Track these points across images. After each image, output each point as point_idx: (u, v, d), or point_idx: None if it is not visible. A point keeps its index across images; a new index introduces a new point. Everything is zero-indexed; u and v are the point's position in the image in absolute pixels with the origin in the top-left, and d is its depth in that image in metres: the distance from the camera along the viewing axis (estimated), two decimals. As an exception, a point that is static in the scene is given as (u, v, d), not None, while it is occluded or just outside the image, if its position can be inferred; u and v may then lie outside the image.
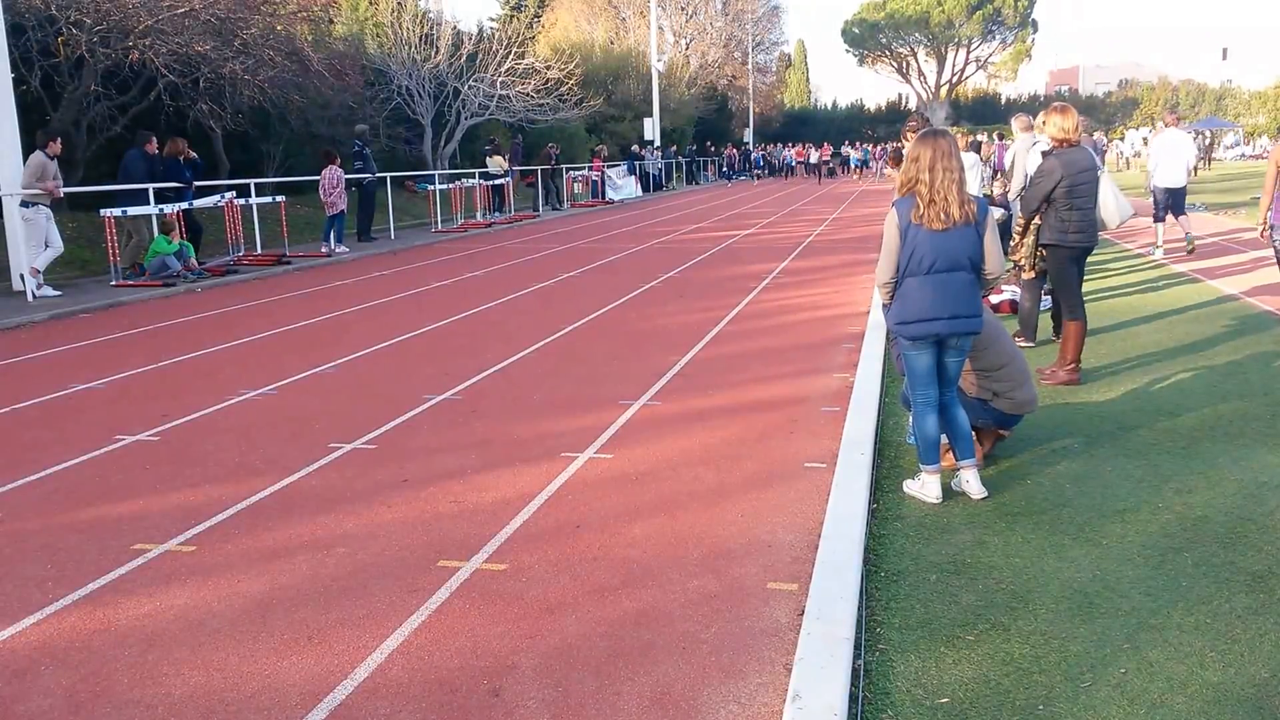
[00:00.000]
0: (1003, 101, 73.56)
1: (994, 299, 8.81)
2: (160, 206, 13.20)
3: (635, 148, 38.02)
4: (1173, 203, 13.48)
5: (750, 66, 66.25)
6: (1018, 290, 8.06)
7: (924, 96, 74.74)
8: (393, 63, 26.16)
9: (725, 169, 49.45)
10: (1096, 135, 30.11)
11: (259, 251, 15.79)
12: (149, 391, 6.98)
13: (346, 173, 17.23)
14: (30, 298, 11.50)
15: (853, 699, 2.85)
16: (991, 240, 4.37)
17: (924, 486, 4.51)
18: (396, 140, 26.33)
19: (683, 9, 61.86)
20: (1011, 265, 7.55)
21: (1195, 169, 35.48)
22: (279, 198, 16.51)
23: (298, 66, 18.39)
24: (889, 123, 69.01)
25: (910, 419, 4.77)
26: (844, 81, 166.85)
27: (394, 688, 3.01)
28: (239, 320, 10.04)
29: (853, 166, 52.84)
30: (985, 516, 4.29)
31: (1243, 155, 53.24)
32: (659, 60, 42.91)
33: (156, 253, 12.82)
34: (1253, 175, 32.11)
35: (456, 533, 4.21)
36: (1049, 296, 8.08)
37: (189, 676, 3.10)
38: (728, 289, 11.48)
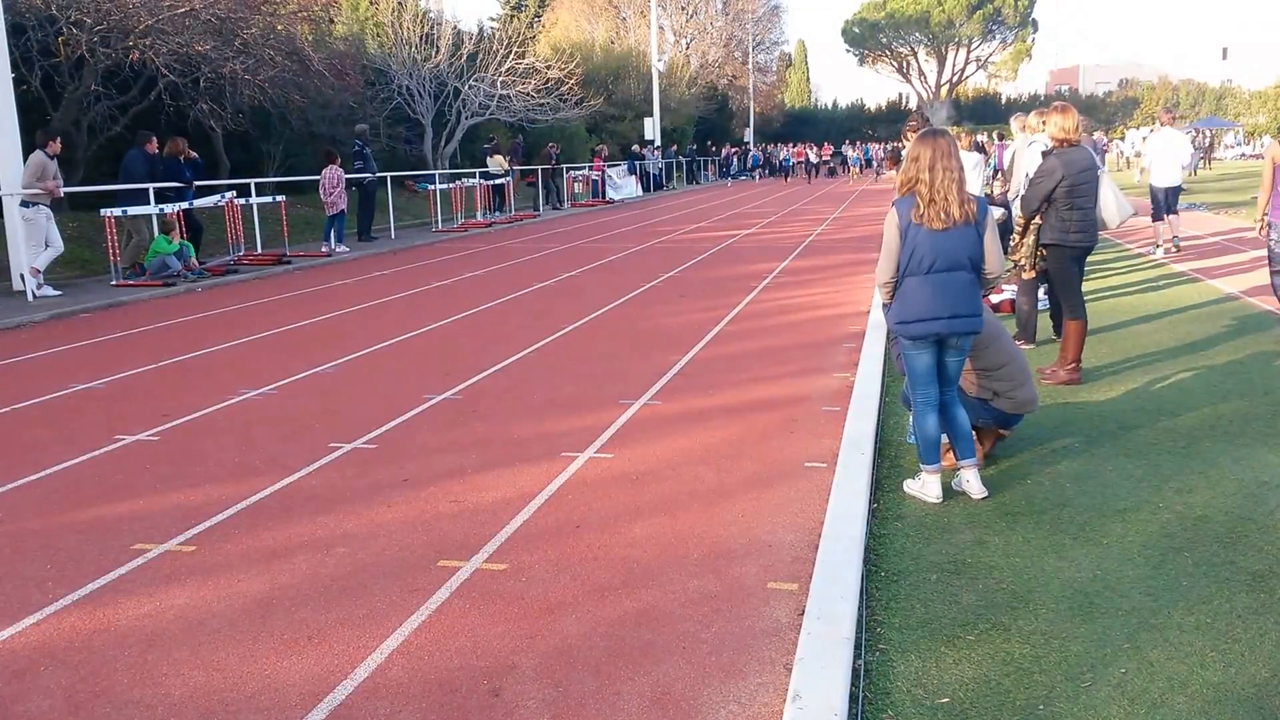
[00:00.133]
0: (1003, 101, 73.54)
1: (994, 298, 8.81)
2: (160, 206, 13.19)
3: (635, 147, 38.00)
4: (1166, 202, 13.57)
5: (750, 66, 66.24)
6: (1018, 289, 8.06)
7: (924, 96, 74.74)
8: (393, 62, 26.16)
9: (725, 169, 49.22)
10: (1096, 135, 30.11)
11: (259, 251, 15.79)
12: (149, 391, 6.97)
13: (347, 172, 17.23)
14: (30, 297, 11.50)
15: (853, 699, 2.85)
16: (991, 240, 4.37)
17: (924, 486, 4.51)
18: (397, 140, 26.33)
19: (683, 9, 61.85)
20: (1011, 265, 7.55)
21: (1197, 169, 35.55)
22: (279, 197, 16.50)
23: (298, 66, 18.40)
24: (889, 122, 68.98)
25: (910, 418, 4.76)
26: (844, 81, 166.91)
27: (394, 688, 3.00)
28: (239, 320, 10.04)
29: (852, 166, 52.63)
30: (986, 516, 4.29)
31: (1243, 155, 53.21)
32: (659, 60, 42.89)
33: (157, 252, 12.82)
34: (1253, 175, 32.08)
35: (456, 533, 4.21)
36: (1046, 297, 8.08)
37: (189, 676, 3.10)
38: (728, 288, 11.48)
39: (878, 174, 46.69)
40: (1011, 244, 7.50)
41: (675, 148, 44.71)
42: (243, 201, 15.43)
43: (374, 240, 18.63)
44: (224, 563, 3.96)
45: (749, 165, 50.80)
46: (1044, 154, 6.82)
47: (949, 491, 4.53)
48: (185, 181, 14.06)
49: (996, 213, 7.76)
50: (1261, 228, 7.98)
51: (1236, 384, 6.38)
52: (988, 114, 66.78)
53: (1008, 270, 6.37)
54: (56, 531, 4.34)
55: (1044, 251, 6.77)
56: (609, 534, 4.16)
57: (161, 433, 5.87)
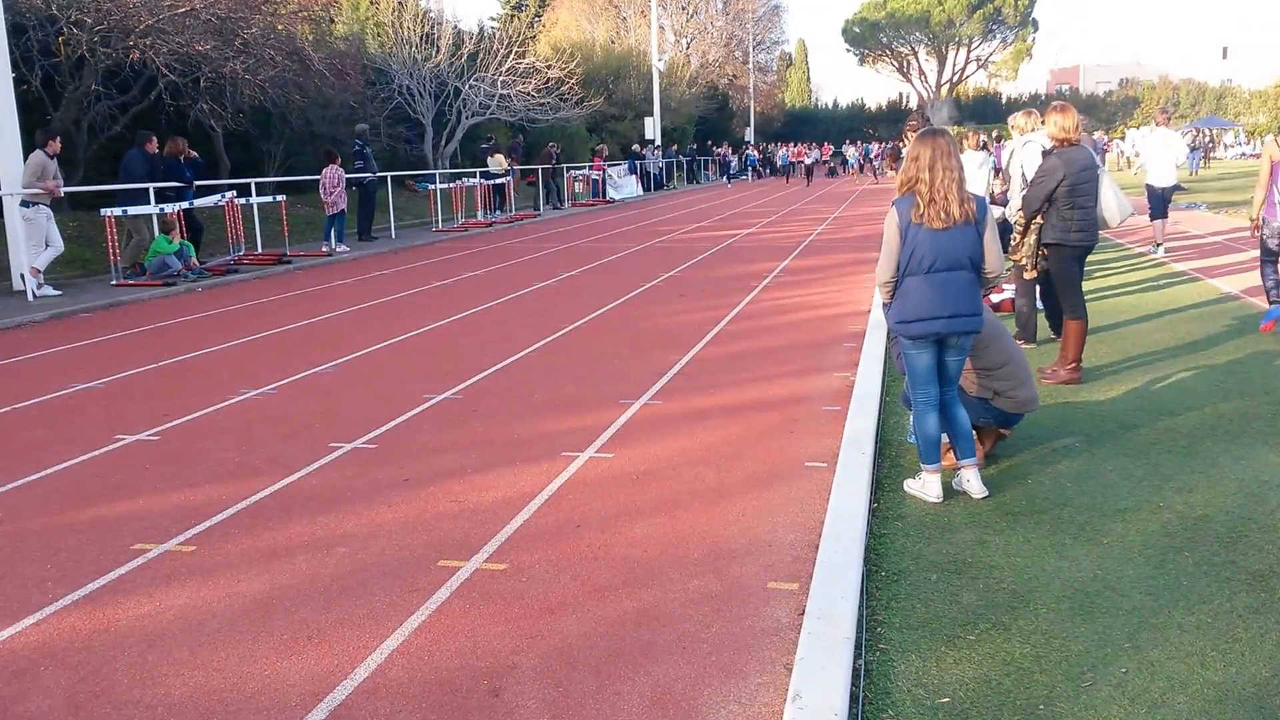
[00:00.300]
0: (1004, 101, 73.53)
1: (994, 298, 8.80)
2: (161, 206, 13.19)
3: (636, 147, 37.98)
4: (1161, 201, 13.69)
5: (751, 66, 66.23)
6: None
7: (925, 96, 74.73)
8: (394, 62, 26.17)
9: (724, 169, 48.91)
10: (1097, 135, 30.10)
11: (259, 251, 15.79)
12: (149, 391, 6.97)
13: (347, 172, 17.23)
14: (30, 297, 11.50)
15: (853, 699, 2.85)
16: (991, 239, 4.37)
17: (925, 486, 4.51)
18: (397, 139, 26.34)
19: (683, 8, 61.84)
20: (1010, 265, 7.55)
21: (1198, 170, 35.53)
22: (279, 197, 16.50)
23: (298, 66, 18.40)
24: (890, 122, 68.98)
25: (911, 418, 4.76)
26: (845, 81, 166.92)
27: (394, 688, 3.00)
28: (239, 320, 10.04)
29: (851, 166, 52.50)
30: (986, 516, 4.29)
31: (1243, 154, 53.20)
32: (660, 59, 42.87)
33: (157, 252, 12.82)
34: (1253, 174, 32.06)
35: (456, 532, 4.21)
36: (1043, 299, 8.08)
37: (189, 677, 3.10)
38: (729, 288, 11.48)
39: (877, 175, 46.48)
40: (1012, 244, 7.50)
41: (675, 147, 44.68)
42: (243, 201, 15.43)
43: (374, 240, 18.63)
44: (224, 563, 3.96)
45: (746, 165, 50.41)
46: (1044, 153, 6.82)
47: (949, 491, 4.53)
48: (185, 181, 14.06)
49: (996, 212, 7.76)
50: (1255, 226, 8.03)
51: (1237, 383, 6.38)
52: (988, 114, 66.75)
53: (1007, 269, 6.37)
54: (56, 531, 4.34)
55: (1045, 251, 6.77)
56: (609, 534, 4.16)
57: (161, 433, 5.87)
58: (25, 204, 11.72)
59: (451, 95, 27.58)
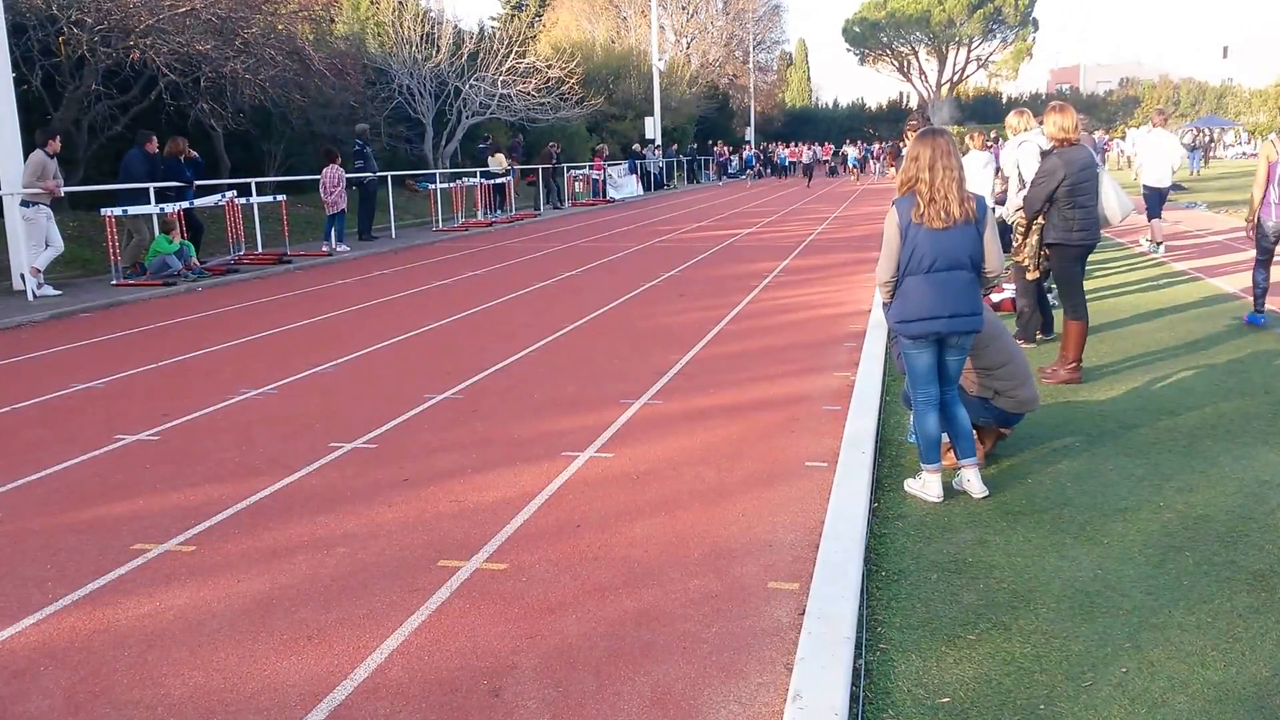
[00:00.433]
0: (1004, 100, 73.50)
1: (995, 297, 8.80)
2: (161, 206, 13.19)
3: (636, 147, 37.98)
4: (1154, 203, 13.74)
5: (751, 65, 66.22)
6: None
7: (925, 95, 74.73)
8: (394, 62, 26.16)
9: (724, 169, 48.72)
10: (1097, 134, 30.07)
11: (260, 251, 15.79)
12: (149, 391, 6.97)
13: (347, 172, 17.22)
14: (31, 297, 11.50)
15: (854, 699, 2.85)
16: (991, 239, 4.37)
17: (925, 485, 4.51)
18: (397, 139, 26.33)
19: (684, 8, 61.85)
20: (1010, 264, 7.55)
21: (1198, 170, 35.49)
22: (280, 197, 16.50)
23: (299, 66, 18.40)
24: (890, 121, 68.98)
25: (911, 418, 4.76)
26: (845, 80, 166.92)
27: (394, 688, 3.00)
28: (239, 320, 10.04)
29: (850, 166, 52.40)
30: (986, 515, 4.29)
31: (1244, 154, 53.20)
32: (660, 59, 42.86)
33: (157, 252, 12.82)
34: (1254, 173, 32.05)
35: (457, 532, 4.21)
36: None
37: (189, 677, 3.10)
38: (729, 287, 11.47)
39: (878, 173, 46.39)
40: (1014, 245, 7.50)
41: (676, 147, 44.65)
42: (243, 201, 15.43)
43: (375, 240, 18.62)
44: (224, 563, 3.96)
45: (746, 165, 50.08)
46: (1044, 154, 6.82)
47: (950, 491, 4.53)
48: (186, 181, 14.06)
49: (996, 211, 7.74)
50: (1251, 227, 8.09)
51: (1237, 383, 6.37)
52: (989, 113, 66.73)
53: (1006, 268, 6.38)
54: (56, 531, 4.34)
55: (1047, 251, 6.77)
56: (609, 534, 4.16)
57: (161, 433, 5.87)
58: (25, 204, 11.72)
59: (452, 95, 27.57)
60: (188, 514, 4.50)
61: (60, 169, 12.28)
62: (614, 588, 3.64)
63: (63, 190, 12.37)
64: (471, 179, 23.69)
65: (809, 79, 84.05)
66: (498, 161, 24.67)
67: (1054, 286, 7.88)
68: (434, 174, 23.62)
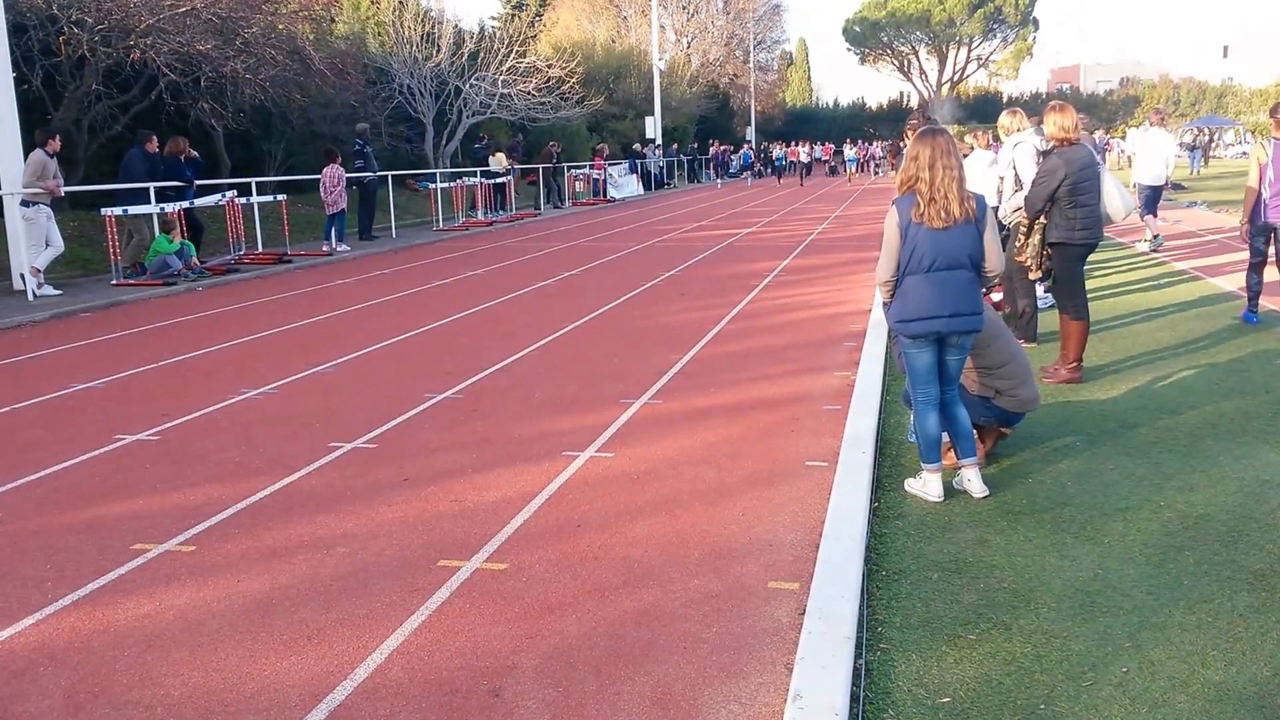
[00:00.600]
0: (1004, 100, 73.46)
1: (995, 296, 8.79)
2: (161, 205, 13.19)
3: (636, 146, 37.97)
4: (1148, 201, 13.85)
5: (752, 65, 66.22)
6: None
7: (925, 95, 74.72)
8: (394, 61, 26.17)
9: (723, 168, 48.43)
10: (1097, 134, 30.05)
11: (260, 250, 15.79)
12: (149, 391, 6.97)
13: (348, 171, 17.22)
14: (31, 297, 11.50)
15: (854, 698, 2.84)
16: (991, 238, 4.37)
17: (925, 485, 4.50)
18: (398, 139, 26.34)
19: (684, 8, 61.86)
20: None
21: (1198, 169, 35.47)
22: (280, 196, 16.50)
23: (299, 65, 18.40)
24: (891, 121, 68.97)
25: (911, 417, 4.76)
26: (845, 80, 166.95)
27: (394, 688, 3.00)
28: (239, 319, 10.04)
29: (850, 167, 52.29)
30: (987, 515, 4.28)
31: (1244, 153, 53.20)
32: (660, 59, 42.85)
33: (157, 252, 12.82)
34: (1255, 173, 31.98)
35: (457, 532, 4.21)
36: (1048, 294, 8.08)
37: (188, 677, 3.09)
38: (729, 287, 11.47)
39: (877, 173, 46.25)
40: (1017, 245, 7.49)
41: (676, 146, 44.62)
42: (243, 200, 15.43)
43: (375, 239, 18.62)
44: (224, 563, 3.96)
45: (745, 164, 49.73)
46: (1044, 153, 6.81)
47: (950, 490, 4.53)
48: (186, 180, 14.06)
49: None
50: (1244, 229, 8.12)
51: (1238, 382, 6.37)
52: (989, 113, 66.66)
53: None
54: (56, 531, 4.33)
55: (1049, 251, 6.76)
56: (609, 533, 4.16)
57: (161, 433, 5.87)
58: (25, 203, 11.72)
59: (452, 94, 27.58)
60: (187, 514, 4.50)
61: (60, 169, 12.28)
62: (614, 588, 3.64)
63: (63, 190, 12.36)
64: (472, 179, 23.69)
65: (809, 78, 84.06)
66: (498, 161, 24.67)
67: (1049, 294, 7.88)
68: (434, 173, 23.61)
